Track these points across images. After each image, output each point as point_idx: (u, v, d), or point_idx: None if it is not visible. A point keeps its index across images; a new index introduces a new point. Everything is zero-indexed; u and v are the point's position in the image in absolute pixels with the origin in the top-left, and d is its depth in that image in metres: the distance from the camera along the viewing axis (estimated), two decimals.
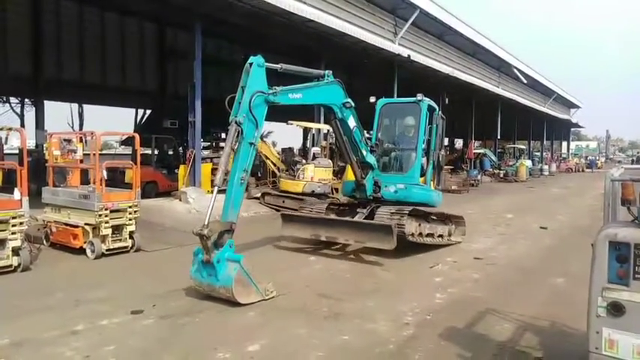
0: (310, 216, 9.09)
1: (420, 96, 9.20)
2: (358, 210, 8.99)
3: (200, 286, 5.87)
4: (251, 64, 6.32)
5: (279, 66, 6.81)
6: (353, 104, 8.11)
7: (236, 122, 6.01)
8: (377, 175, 9.02)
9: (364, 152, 8.65)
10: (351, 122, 8.22)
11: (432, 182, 9.54)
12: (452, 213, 9.94)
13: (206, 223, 5.59)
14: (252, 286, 5.77)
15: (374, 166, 8.95)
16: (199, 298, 5.95)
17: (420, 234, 8.65)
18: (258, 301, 5.76)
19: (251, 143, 6.23)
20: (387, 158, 9.52)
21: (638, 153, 67.62)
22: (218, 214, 6.08)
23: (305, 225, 8.83)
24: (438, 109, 9.57)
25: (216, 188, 5.89)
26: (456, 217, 9.93)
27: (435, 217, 9.26)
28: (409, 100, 9.59)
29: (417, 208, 8.76)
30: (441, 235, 9.28)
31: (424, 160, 9.30)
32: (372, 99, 9.80)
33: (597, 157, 60.08)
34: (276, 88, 6.56)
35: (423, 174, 9.26)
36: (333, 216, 9.19)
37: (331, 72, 7.93)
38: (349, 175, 9.39)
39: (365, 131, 8.93)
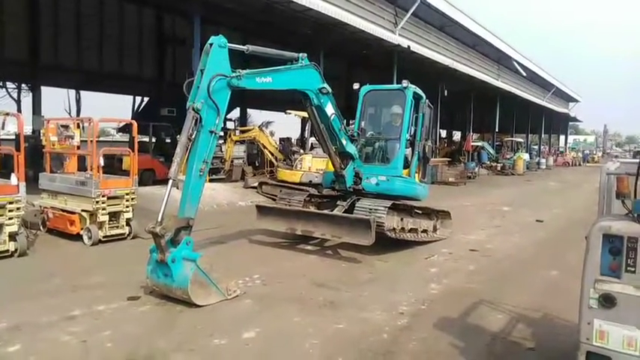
0: (286, 208, 8.57)
1: (405, 83, 8.55)
2: (338, 202, 8.48)
3: (157, 287, 5.48)
4: (211, 44, 5.76)
5: (245, 47, 6.23)
6: (330, 90, 7.53)
7: (193, 109, 5.49)
8: (358, 165, 8.47)
9: (344, 141, 8.10)
10: (329, 109, 7.68)
11: (416, 174, 8.99)
12: (436, 207, 9.41)
13: (159, 219, 5.22)
14: (211, 287, 5.36)
15: (354, 157, 8.38)
16: None
17: (402, 229, 8.17)
18: (220, 301, 5.39)
19: (211, 132, 5.69)
20: (370, 148, 8.97)
21: (635, 147, 67.75)
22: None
23: (281, 218, 8.35)
24: (424, 97, 8.90)
25: (170, 181, 5.44)
26: (442, 211, 9.45)
27: (419, 212, 8.79)
28: (394, 87, 9.05)
29: (396, 202, 8.21)
30: (425, 231, 8.83)
31: (408, 150, 8.72)
32: (356, 85, 9.17)
33: (594, 152, 60.48)
34: (241, 71, 5.99)
35: (407, 166, 8.69)
36: (312, 208, 8.71)
37: (306, 55, 7.26)
38: (329, 165, 8.83)
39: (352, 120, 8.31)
